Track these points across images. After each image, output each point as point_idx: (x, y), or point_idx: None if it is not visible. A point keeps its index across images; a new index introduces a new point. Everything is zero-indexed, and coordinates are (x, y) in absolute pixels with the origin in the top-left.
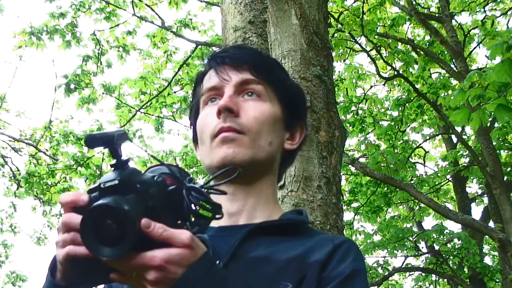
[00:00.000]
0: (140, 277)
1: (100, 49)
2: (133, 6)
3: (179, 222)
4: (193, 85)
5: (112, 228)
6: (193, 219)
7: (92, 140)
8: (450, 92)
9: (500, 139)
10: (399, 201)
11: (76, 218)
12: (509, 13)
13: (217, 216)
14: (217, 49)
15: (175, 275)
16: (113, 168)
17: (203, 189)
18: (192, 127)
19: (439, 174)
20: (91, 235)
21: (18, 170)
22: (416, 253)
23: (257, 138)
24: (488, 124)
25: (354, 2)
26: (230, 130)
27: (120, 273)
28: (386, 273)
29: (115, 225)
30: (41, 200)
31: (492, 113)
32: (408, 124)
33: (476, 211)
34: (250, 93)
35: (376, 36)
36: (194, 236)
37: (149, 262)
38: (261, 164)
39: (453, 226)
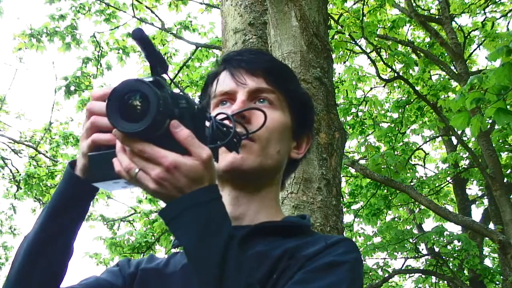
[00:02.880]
0: (144, 172)
1: (100, 51)
2: (133, 8)
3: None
4: (204, 83)
5: (137, 107)
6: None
7: (141, 35)
8: (450, 94)
9: (500, 141)
10: (399, 203)
11: (100, 104)
12: (509, 15)
13: (234, 147)
14: (218, 52)
15: (179, 184)
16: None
17: (233, 120)
18: None
19: (439, 176)
20: (115, 108)
21: (18, 172)
22: (416, 255)
23: (267, 146)
24: (488, 126)
25: (354, 4)
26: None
27: (126, 163)
28: (386, 275)
29: (141, 104)
30: (40, 202)
31: (492, 117)
32: (408, 126)
33: (476, 213)
34: (262, 100)
35: (376, 38)
36: (213, 159)
37: (159, 158)
38: (267, 171)
39: (453, 228)
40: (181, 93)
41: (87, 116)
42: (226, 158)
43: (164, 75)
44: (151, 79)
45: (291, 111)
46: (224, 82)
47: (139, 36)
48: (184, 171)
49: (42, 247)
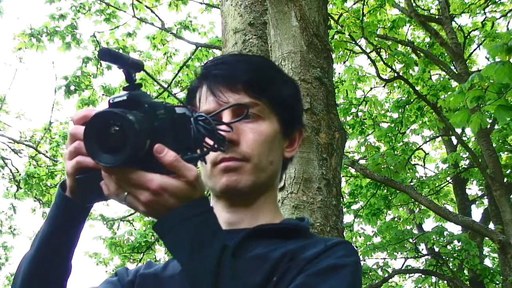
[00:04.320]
0: (133, 196)
1: None
2: (133, 8)
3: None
4: (186, 96)
5: (115, 137)
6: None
7: (105, 53)
8: (450, 94)
9: (500, 141)
10: (399, 203)
11: (83, 129)
12: (509, 15)
13: (221, 148)
14: (218, 52)
15: (168, 205)
16: (124, 89)
17: (211, 120)
18: None
19: (439, 176)
20: (93, 141)
21: (18, 172)
22: (416, 255)
23: (259, 162)
24: (488, 126)
25: (354, 4)
26: (231, 160)
27: (113, 188)
28: (386, 275)
29: (118, 133)
30: (40, 202)
31: (492, 115)
32: (408, 126)
33: (476, 213)
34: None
35: (376, 38)
36: (200, 178)
37: (146, 182)
38: (262, 184)
39: (453, 228)
40: (158, 100)
41: (71, 140)
42: (220, 181)
43: (138, 78)
44: (124, 97)
45: (278, 115)
46: (207, 100)
47: (106, 54)
48: (172, 192)
49: (39, 268)
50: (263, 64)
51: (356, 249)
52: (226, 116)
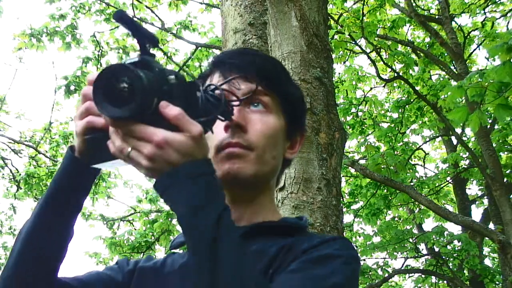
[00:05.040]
0: (137, 151)
1: (100, 50)
2: (133, 8)
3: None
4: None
5: (123, 90)
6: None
7: (121, 15)
8: (450, 94)
9: (500, 140)
10: (399, 203)
11: None
12: (509, 14)
13: (227, 119)
14: (218, 52)
15: (171, 159)
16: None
17: (219, 89)
18: None
19: (439, 176)
20: (101, 94)
21: (18, 172)
22: (416, 255)
23: (263, 154)
24: (488, 126)
25: (354, 4)
26: (237, 146)
27: (118, 144)
28: (386, 275)
29: (126, 88)
30: None
31: (492, 114)
32: (408, 126)
33: (476, 213)
34: (256, 104)
35: (376, 38)
36: (204, 136)
37: (150, 135)
38: (264, 178)
39: (453, 228)
40: (171, 68)
41: (82, 101)
42: (222, 167)
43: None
44: (136, 59)
45: (284, 113)
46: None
47: (119, 17)
48: (175, 146)
49: (43, 226)
50: (275, 61)
51: (354, 246)
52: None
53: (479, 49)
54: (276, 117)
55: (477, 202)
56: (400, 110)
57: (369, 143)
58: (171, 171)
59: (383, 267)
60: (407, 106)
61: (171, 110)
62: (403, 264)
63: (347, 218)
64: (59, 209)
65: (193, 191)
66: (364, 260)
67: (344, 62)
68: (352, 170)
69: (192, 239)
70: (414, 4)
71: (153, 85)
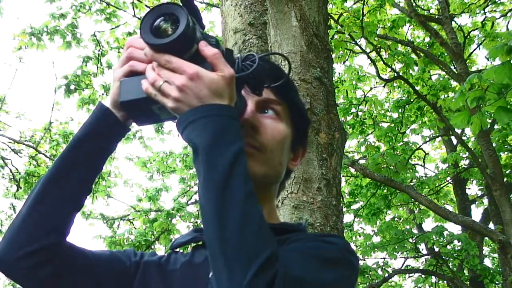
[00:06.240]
0: (169, 83)
1: (101, 50)
2: (133, 7)
3: None
4: None
5: (168, 29)
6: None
7: None
8: (450, 94)
9: (500, 140)
10: (399, 203)
11: (139, 39)
12: (508, 14)
13: (253, 92)
14: None
15: (200, 94)
16: None
17: (258, 59)
18: None
19: (439, 176)
20: (148, 27)
21: (18, 172)
22: (416, 255)
23: (272, 157)
24: (488, 126)
25: (354, 4)
26: (248, 145)
27: (151, 76)
28: (386, 275)
29: (171, 26)
30: None
31: (492, 115)
32: (408, 126)
33: (476, 213)
34: (267, 110)
35: (376, 38)
36: (234, 84)
37: (184, 67)
38: (269, 182)
39: (453, 228)
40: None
41: (125, 49)
42: None
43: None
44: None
45: (292, 124)
46: None
47: None
48: (206, 81)
49: (64, 173)
50: (285, 74)
51: (351, 245)
52: (250, 106)
53: (479, 49)
54: (285, 125)
55: (477, 202)
56: (400, 110)
57: (369, 143)
58: (198, 106)
59: (383, 267)
60: (407, 106)
61: (210, 49)
62: (403, 264)
63: (347, 218)
64: (86, 151)
65: (214, 128)
66: (364, 260)
67: (344, 62)
68: (352, 170)
69: (205, 176)
70: (414, 4)
71: (196, 32)
